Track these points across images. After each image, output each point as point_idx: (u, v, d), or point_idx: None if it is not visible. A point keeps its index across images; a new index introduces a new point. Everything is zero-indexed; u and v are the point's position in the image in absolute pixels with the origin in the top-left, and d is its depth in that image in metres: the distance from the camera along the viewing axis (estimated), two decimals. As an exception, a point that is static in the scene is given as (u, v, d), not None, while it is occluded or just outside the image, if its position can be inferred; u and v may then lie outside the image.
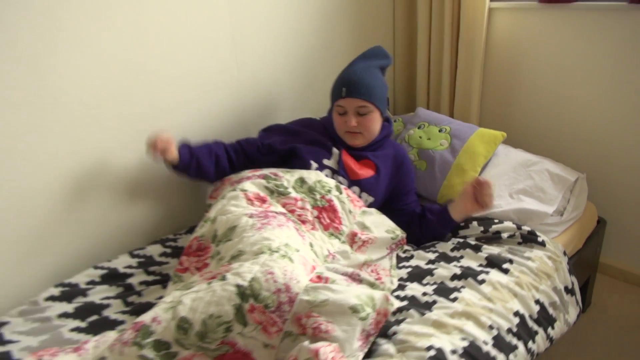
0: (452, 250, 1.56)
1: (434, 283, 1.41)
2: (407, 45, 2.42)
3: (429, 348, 1.16)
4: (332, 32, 2.12)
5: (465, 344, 1.20)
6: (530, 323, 1.36)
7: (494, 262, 1.47)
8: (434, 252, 1.56)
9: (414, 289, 1.39)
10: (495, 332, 1.26)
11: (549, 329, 1.41)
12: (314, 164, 1.61)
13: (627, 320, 1.93)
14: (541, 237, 1.57)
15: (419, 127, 1.96)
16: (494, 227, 1.59)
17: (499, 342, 1.25)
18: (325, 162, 1.64)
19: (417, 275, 1.45)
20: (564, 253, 1.58)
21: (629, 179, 1.98)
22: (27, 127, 1.39)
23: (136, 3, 1.53)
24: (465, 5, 2.06)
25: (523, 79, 2.14)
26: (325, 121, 1.77)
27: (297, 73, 2.04)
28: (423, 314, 1.27)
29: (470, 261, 1.49)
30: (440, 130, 1.91)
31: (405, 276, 1.45)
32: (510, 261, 1.48)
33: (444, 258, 1.52)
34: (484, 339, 1.23)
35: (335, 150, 1.67)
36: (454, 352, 1.17)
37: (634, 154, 1.93)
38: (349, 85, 1.60)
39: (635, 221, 2.02)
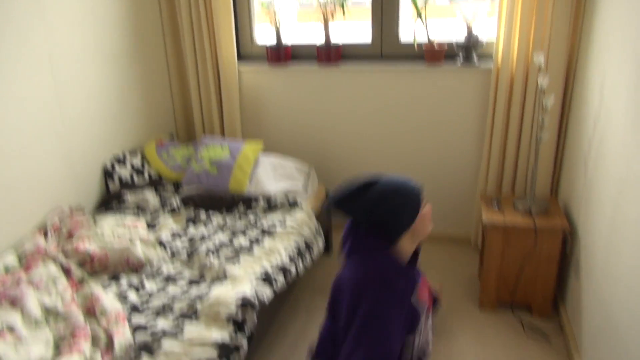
0: (257, 219, 2.43)
1: (259, 230, 2.24)
2: (181, 94, 3.21)
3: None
4: (128, 90, 2.76)
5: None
6: (302, 250, 2.30)
7: (279, 222, 2.39)
8: (252, 224, 2.41)
9: (241, 239, 2.21)
10: (288, 255, 2.16)
11: (311, 252, 2.38)
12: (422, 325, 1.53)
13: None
14: (300, 202, 2.56)
15: (206, 148, 2.77)
16: (273, 201, 2.54)
17: (292, 259, 2.15)
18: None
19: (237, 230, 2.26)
20: (312, 211, 2.59)
21: (343, 168, 3.19)
22: None
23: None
24: (222, 69, 3.01)
25: (268, 109, 3.17)
26: (397, 258, 1.52)
27: (107, 115, 2.61)
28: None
29: (265, 222, 2.38)
30: (221, 147, 2.76)
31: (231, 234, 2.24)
32: (285, 220, 2.42)
33: (256, 223, 2.39)
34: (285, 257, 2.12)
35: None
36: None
37: (346, 152, 3.14)
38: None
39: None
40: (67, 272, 1.90)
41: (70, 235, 2.14)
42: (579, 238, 2.18)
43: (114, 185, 2.64)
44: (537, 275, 2.34)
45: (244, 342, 1.69)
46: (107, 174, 2.63)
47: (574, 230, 2.27)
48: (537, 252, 2.30)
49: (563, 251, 2.39)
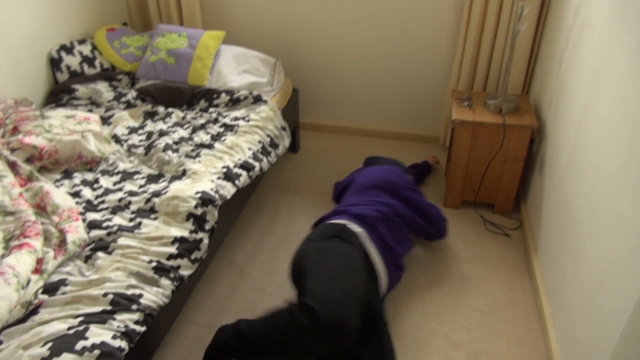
0: (219, 115, 2.30)
1: (221, 126, 2.14)
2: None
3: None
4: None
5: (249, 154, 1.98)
6: (267, 147, 2.22)
7: (242, 118, 2.27)
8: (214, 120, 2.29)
9: (201, 136, 2.10)
10: (251, 152, 2.08)
11: (277, 149, 2.30)
12: None
13: (321, 151, 3.04)
14: (264, 98, 2.43)
15: (162, 36, 2.54)
16: (236, 95, 2.39)
17: (255, 156, 2.07)
18: None
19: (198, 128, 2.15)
20: (277, 107, 2.48)
21: (311, 63, 3.02)
22: None
23: None
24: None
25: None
26: None
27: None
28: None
29: (226, 120, 2.27)
30: (179, 36, 2.54)
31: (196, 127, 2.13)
32: (249, 116, 2.30)
33: (218, 118, 2.27)
34: (248, 154, 2.04)
35: None
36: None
37: (314, 45, 2.95)
38: None
39: (316, 91, 3.11)
40: (13, 167, 1.78)
41: (15, 129, 1.99)
42: (546, 136, 2.15)
43: (62, 76, 2.43)
44: (502, 174, 2.35)
45: (204, 237, 1.66)
46: (54, 63, 2.41)
47: (542, 128, 2.24)
48: (504, 150, 2.29)
49: (529, 151, 2.38)
